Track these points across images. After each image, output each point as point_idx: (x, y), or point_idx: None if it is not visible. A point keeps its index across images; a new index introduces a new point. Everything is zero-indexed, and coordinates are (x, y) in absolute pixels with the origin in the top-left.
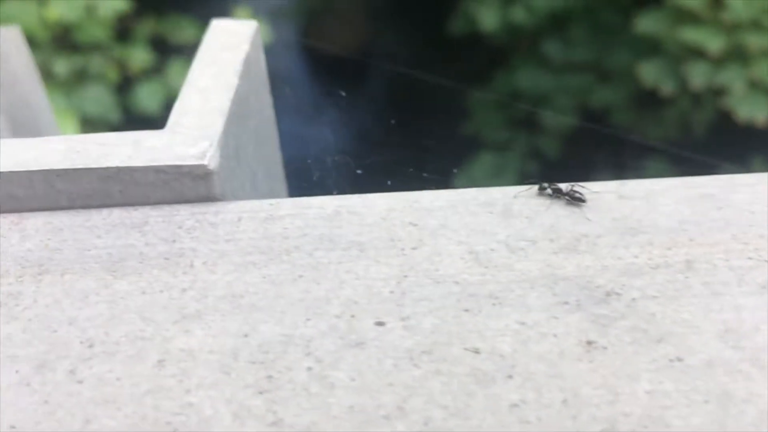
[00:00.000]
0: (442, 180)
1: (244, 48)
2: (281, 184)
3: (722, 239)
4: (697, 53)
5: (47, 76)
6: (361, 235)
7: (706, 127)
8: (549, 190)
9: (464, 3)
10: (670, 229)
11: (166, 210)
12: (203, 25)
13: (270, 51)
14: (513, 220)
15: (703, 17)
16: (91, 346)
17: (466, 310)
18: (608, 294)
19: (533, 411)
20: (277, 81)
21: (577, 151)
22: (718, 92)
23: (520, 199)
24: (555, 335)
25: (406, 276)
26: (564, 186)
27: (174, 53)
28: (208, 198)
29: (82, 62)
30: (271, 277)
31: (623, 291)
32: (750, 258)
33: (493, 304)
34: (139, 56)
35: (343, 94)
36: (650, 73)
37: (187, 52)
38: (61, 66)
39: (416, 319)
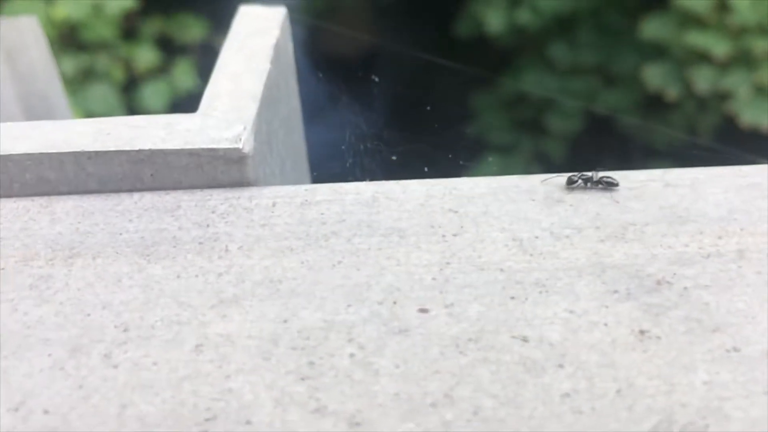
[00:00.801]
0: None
1: (275, 33)
2: (306, 173)
3: None
4: (703, 57)
5: None
6: (400, 221)
7: (713, 132)
8: (580, 181)
9: (470, 4)
10: (720, 218)
11: (198, 194)
12: (210, 24)
13: None
14: (556, 207)
15: (709, 21)
16: (125, 330)
17: (513, 298)
18: (659, 283)
19: (586, 401)
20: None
21: (582, 154)
22: (723, 96)
23: (561, 187)
24: (606, 324)
25: (448, 263)
26: (592, 174)
27: (180, 53)
28: (242, 183)
29: (89, 61)
30: (310, 263)
31: (675, 280)
32: None
33: (540, 292)
34: (145, 55)
35: (338, 94)
36: (655, 76)
37: (193, 51)
38: (68, 65)
39: (461, 306)
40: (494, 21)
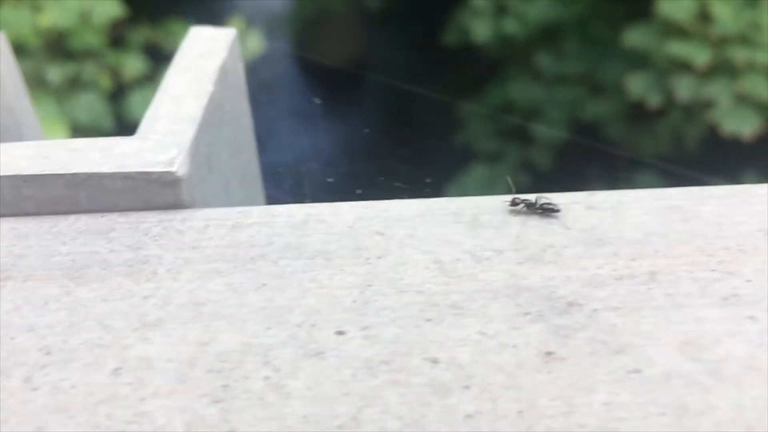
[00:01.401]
0: (415, 189)
1: (221, 55)
2: (258, 191)
3: (687, 251)
4: (684, 67)
5: (40, 83)
6: (327, 243)
7: (699, 141)
8: (522, 205)
9: (458, 14)
10: (635, 241)
11: (133, 217)
12: None
13: (264, 60)
14: (481, 230)
15: (691, 31)
16: (48, 353)
17: (428, 320)
18: (570, 305)
19: (488, 422)
20: (268, 89)
21: (568, 164)
22: (705, 105)
23: (488, 209)
24: (514, 346)
25: (369, 285)
26: (534, 197)
27: (167, 60)
28: (177, 205)
29: (75, 69)
30: (234, 286)
31: (585, 302)
32: (714, 270)
33: (455, 314)
34: (133, 64)
35: (324, 102)
36: (637, 85)
37: None
38: (54, 73)
39: (377, 328)
40: (480, 30)
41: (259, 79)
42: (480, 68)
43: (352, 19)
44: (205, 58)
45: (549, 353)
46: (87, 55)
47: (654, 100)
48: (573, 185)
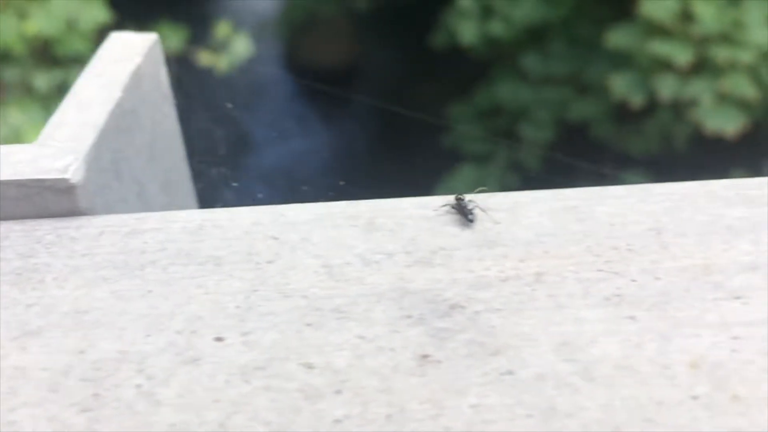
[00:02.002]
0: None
1: (136, 61)
2: (188, 196)
3: (576, 251)
4: (667, 66)
5: (26, 90)
6: (219, 249)
7: (687, 139)
8: (455, 203)
9: (445, 16)
10: (526, 242)
11: (28, 224)
12: (187, 36)
13: (253, 63)
14: (375, 233)
15: (673, 31)
16: None
17: (309, 325)
18: (452, 307)
19: (356, 426)
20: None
21: (556, 165)
22: (688, 104)
23: (385, 213)
24: (392, 349)
25: (255, 290)
26: (468, 200)
27: None
28: (74, 212)
29: (62, 76)
30: (120, 293)
31: (468, 304)
32: (600, 270)
33: (337, 318)
34: None
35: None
36: (620, 85)
37: (169, 64)
38: (41, 80)
39: (257, 334)
40: (467, 32)
41: (249, 83)
42: (468, 70)
43: (341, 23)
44: (118, 64)
45: (425, 356)
46: (74, 61)
47: (637, 100)
48: (562, 185)
